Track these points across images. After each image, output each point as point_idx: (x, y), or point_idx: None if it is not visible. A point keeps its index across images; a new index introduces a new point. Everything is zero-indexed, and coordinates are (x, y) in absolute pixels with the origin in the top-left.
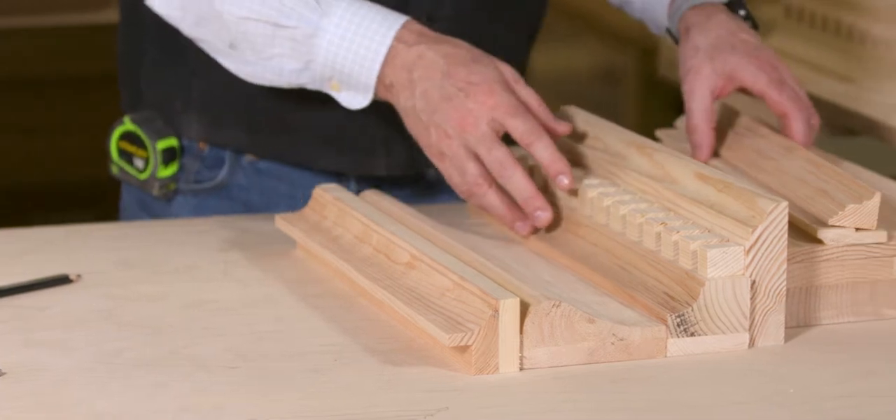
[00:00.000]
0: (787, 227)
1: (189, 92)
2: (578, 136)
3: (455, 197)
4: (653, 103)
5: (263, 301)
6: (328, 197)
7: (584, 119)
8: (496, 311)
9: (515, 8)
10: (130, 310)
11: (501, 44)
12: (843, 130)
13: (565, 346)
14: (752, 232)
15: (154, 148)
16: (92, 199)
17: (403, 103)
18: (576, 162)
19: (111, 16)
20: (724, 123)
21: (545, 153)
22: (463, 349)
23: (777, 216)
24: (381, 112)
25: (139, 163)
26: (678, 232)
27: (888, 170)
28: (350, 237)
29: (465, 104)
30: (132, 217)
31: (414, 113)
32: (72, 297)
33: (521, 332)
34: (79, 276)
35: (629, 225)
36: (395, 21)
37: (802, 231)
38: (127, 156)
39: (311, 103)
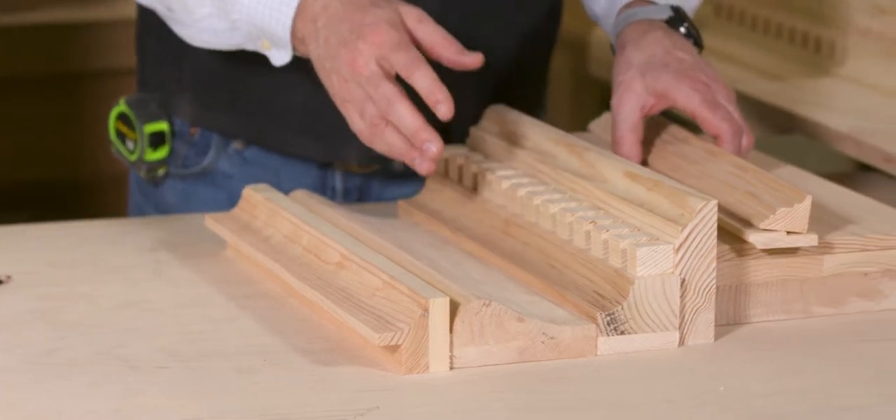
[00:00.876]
0: (716, 226)
1: (182, 73)
2: (508, 135)
3: (405, 191)
4: (584, 102)
5: (194, 301)
6: (258, 197)
7: (513, 118)
8: (426, 310)
9: (513, 10)
10: (62, 310)
11: (493, 44)
12: (773, 128)
13: (495, 345)
14: (682, 230)
15: (141, 131)
16: (24, 201)
17: (312, 54)
18: (505, 161)
19: (38, 17)
20: (649, 132)
21: (425, 82)
22: (393, 349)
23: (706, 214)
24: None
25: (130, 144)
26: (608, 230)
27: (818, 167)
28: (280, 237)
29: (356, 45)
30: (134, 198)
31: (319, 62)
32: (2, 298)
33: (451, 331)
34: (9, 277)
35: (559, 224)
36: None
37: (731, 235)
38: (121, 136)
39: (295, 87)
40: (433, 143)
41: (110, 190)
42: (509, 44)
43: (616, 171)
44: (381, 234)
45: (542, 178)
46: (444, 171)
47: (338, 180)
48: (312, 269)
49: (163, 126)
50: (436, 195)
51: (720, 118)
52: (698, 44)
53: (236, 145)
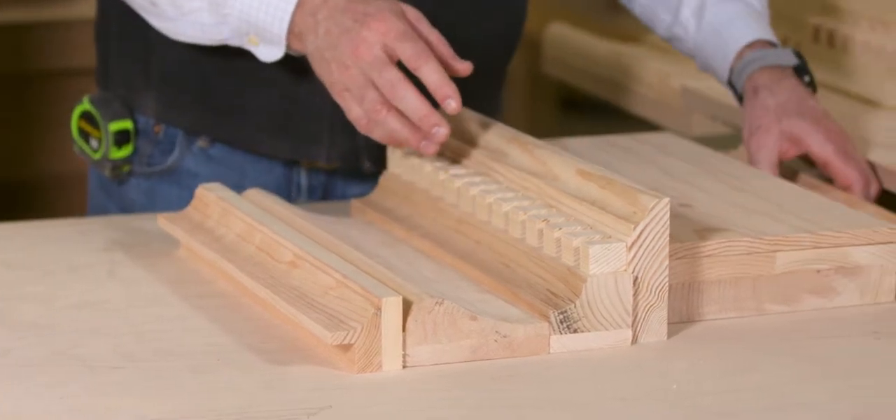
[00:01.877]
0: (668, 224)
1: (148, 69)
2: (461, 134)
3: (368, 189)
4: (538, 100)
5: (149, 301)
6: (211, 196)
7: (465, 117)
8: (378, 309)
9: (486, 14)
10: (16, 311)
11: (465, 46)
12: (731, 127)
13: (448, 343)
14: (634, 228)
15: (106, 129)
16: None
17: (310, 47)
18: (457, 159)
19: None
20: (784, 176)
21: (433, 76)
22: (346, 348)
23: (659, 212)
24: (330, 98)
25: (94, 143)
26: (560, 229)
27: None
28: (233, 236)
29: (359, 33)
30: (95, 197)
31: (318, 52)
32: None
33: (404, 330)
34: None
35: (512, 222)
36: None
37: None
38: (85, 135)
39: (263, 86)
40: (442, 127)
41: (68, 189)
42: (479, 46)
43: (568, 169)
44: (333, 233)
45: (495, 176)
46: (396, 169)
47: (303, 178)
48: (265, 269)
49: (127, 124)
50: (389, 194)
51: (852, 168)
52: (815, 90)
53: (201, 143)
